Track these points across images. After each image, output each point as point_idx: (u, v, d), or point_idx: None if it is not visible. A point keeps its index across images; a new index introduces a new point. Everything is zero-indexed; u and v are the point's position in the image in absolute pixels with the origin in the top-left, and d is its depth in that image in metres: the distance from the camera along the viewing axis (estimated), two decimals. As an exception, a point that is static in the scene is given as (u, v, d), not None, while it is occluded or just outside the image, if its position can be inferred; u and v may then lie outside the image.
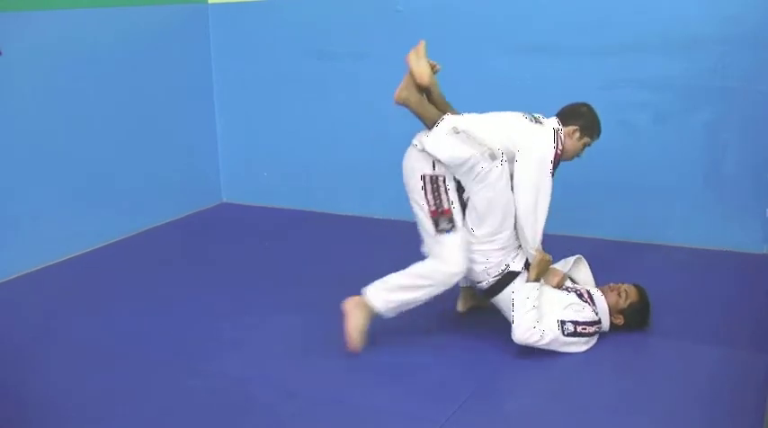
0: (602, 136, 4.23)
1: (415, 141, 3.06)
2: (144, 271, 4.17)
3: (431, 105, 3.10)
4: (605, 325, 3.09)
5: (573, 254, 3.45)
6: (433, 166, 2.96)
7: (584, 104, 3.24)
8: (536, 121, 3.11)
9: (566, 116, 3.18)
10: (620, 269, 3.91)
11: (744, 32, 3.88)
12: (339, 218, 5.00)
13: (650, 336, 3.17)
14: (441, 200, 2.95)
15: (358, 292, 3.71)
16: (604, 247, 4.24)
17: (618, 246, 4.25)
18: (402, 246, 4.42)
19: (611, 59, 4.17)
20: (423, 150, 2.97)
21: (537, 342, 2.89)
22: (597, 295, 3.13)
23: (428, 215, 2.98)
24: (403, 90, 3.07)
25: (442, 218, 2.96)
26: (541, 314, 2.96)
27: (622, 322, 3.14)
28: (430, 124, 3.02)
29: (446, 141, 2.93)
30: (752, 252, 4.06)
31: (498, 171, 2.92)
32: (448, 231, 2.96)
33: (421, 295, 3.02)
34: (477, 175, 2.91)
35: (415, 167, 3.01)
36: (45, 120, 4.21)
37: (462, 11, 4.49)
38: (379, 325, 3.29)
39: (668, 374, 2.87)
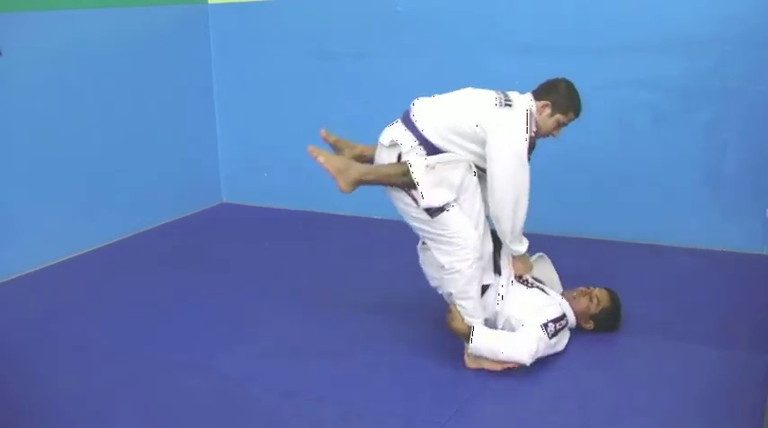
0: (601, 135, 4.27)
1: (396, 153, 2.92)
2: (144, 271, 4.17)
3: (376, 165, 2.96)
4: (571, 320, 3.07)
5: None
6: (399, 158, 2.90)
7: (564, 80, 3.03)
8: (506, 104, 2.90)
9: (540, 90, 3.02)
10: (619, 270, 3.92)
11: (744, 32, 3.88)
12: (339, 218, 5.00)
13: (650, 337, 3.17)
14: None
15: (357, 292, 3.73)
16: (604, 248, 4.24)
17: (617, 247, 4.25)
18: (402, 246, 4.44)
19: (611, 59, 4.17)
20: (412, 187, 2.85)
21: (536, 355, 2.87)
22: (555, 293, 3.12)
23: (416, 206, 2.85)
24: (346, 179, 2.89)
25: None
26: (519, 319, 2.96)
27: (593, 327, 3.13)
28: (395, 179, 2.86)
29: (437, 193, 2.81)
30: (752, 252, 4.06)
31: (475, 180, 2.88)
32: (445, 210, 2.84)
33: (475, 287, 2.91)
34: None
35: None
36: (45, 120, 4.21)
37: (462, 11, 4.49)
38: (379, 327, 3.29)
39: (668, 374, 2.87)
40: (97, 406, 2.78)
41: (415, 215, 2.90)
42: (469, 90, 3.04)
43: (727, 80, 3.97)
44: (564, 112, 3.00)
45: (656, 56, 4.07)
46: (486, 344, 2.84)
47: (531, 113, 2.94)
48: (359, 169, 2.92)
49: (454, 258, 2.86)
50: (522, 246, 3.04)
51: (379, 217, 4.94)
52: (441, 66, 4.57)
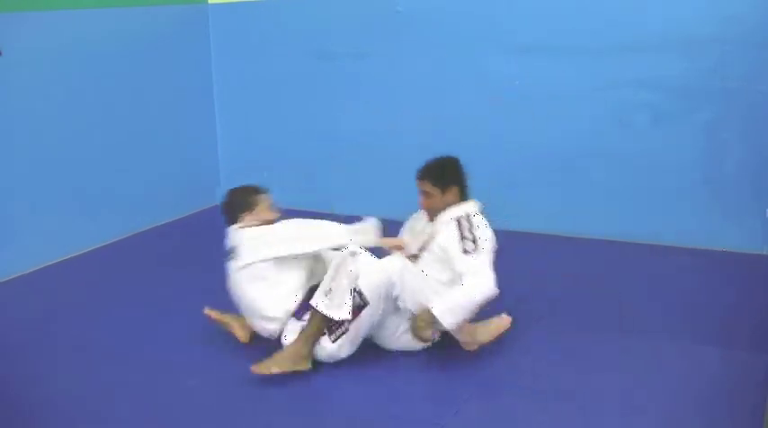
0: (601, 136, 4.29)
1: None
2: (143, 271, 4.17)
3: (299, 336, 2.97)
4: (466, 208, 3.05)
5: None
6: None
7: (232, 193, 3.36)
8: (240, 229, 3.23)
9: (241, 208, 3.34)
10: (619, 270, 3.92)
11: (744, 32, 3.89)
12: (339, 218, 4.99)
13: (650, 336, 3.17)
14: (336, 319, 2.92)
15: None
16: (604, 248, 4.24)
17: (618, 247, 4.25)
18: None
19: (610, 59, 4.17)
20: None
21: (491, 275, 2.84)
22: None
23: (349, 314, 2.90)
24: (300, 363, 2.93)
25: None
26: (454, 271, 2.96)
27: (455, 188, 3.10)
28: (320, 329, 2.94)
29: (345, 302, 2.90)
30: (752, 252, 4.06)
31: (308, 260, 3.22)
32: (357, 289, 2.89)
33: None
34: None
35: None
36: (45, 120, 4.21)
37: (462, 11, 4.50)
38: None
39: (668, 374, 2.87)
40: (97, 406, 2.77)
41: (367, 322, 2.92)
42: (235, 262, 3.17)
43: (727, 80, 3.97)
44: (255, 207, 3.34)
45: (656, 56, 4.08)
46: (453, 310, 2.82)
47: (250, 217, 3.28)
48: (299, 350, 2.94)
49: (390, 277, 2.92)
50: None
51: (378, 217, 4.94)
52: (441, 66, 4.58)
